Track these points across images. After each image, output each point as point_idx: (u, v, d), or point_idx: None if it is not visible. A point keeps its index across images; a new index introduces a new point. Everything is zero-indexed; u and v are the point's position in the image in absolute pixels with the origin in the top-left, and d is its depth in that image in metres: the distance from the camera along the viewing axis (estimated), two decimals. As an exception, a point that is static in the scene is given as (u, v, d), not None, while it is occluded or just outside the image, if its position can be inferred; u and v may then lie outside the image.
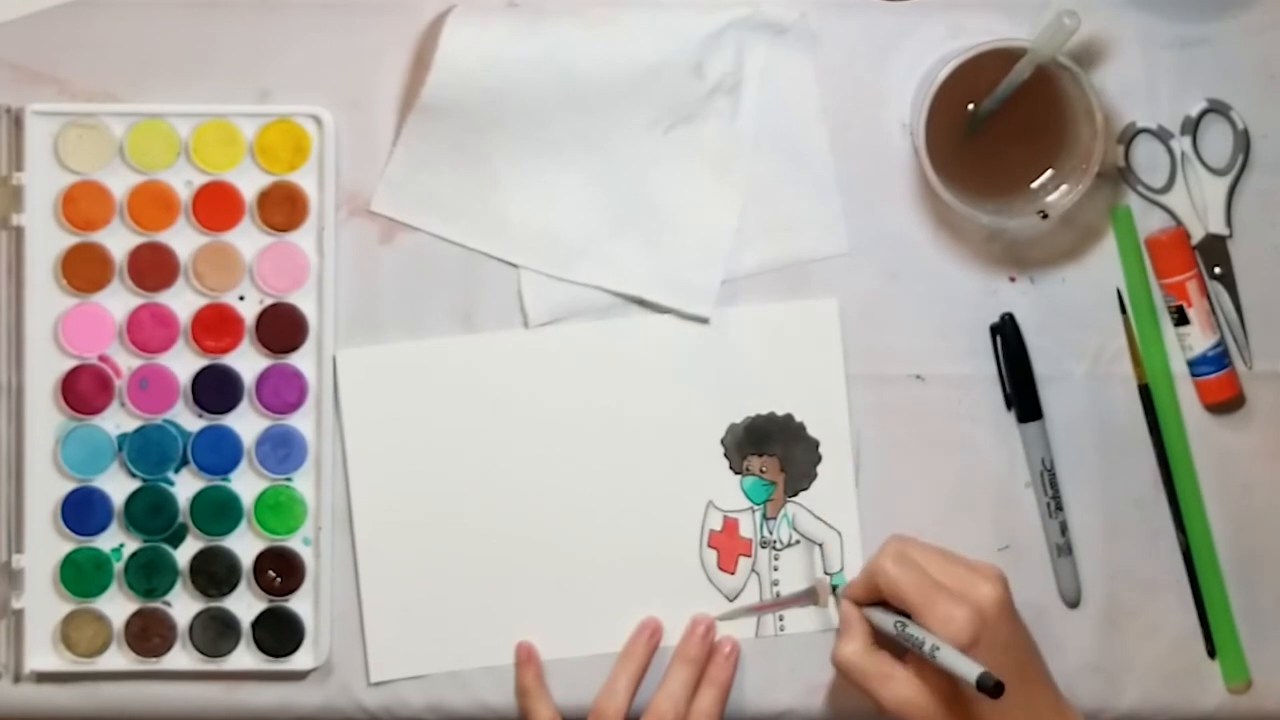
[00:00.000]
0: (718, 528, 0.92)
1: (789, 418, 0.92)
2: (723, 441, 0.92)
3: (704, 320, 0.91)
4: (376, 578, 0.91)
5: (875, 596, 0.85)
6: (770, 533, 0.92)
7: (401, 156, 0.91)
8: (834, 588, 0.91)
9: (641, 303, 0.92)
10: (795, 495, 0.92)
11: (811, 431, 0.92)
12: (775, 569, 0.92)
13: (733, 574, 0.92)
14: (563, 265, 0.91)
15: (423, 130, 0.90)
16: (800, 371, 0.92)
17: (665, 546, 0.92)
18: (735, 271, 0.91)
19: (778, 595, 0.92)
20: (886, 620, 0.84)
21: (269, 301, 0.91)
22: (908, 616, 0.83)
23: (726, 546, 0.92)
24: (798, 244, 0.92)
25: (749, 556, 0.92)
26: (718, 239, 0.91)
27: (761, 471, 0.92)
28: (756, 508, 0.92)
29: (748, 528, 0.92)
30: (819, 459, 0.92)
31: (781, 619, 0.92)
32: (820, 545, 0.92)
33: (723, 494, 0.92)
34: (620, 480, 0.92)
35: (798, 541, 0.92)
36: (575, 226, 0.91)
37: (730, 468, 0.92)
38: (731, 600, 0.92)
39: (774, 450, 0.92)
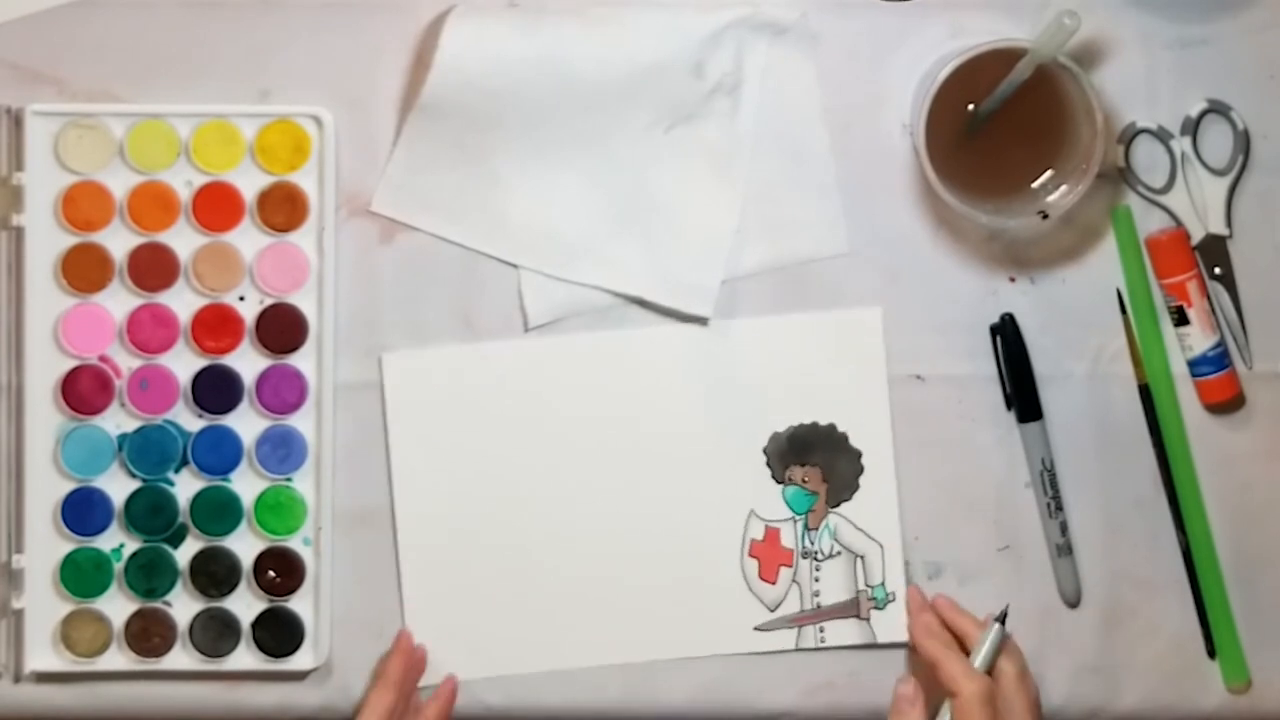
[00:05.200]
0: (759, 537, 0.92)
1: (832, 428, 0.92)
2: (765, 450, 0.92)
3: (703, 321, 0.91)
4: (418, 577, 0.91)
5: (945, 650, 0.87)
6: (812, 543, 0.92)
7: (401, 156, 0.91)
8: (874, 599, 0.91)
9: (641, 303, 0.92)
10: (837, 506, 0.92)
11: (854, 442, 0.92)
12: (816, 580, 0.92)
13: (773, 584, 0.92)
14: (562, 265, 0.91)
15: (423, 130, 0.90)
16: (844, 381, 0.91)
17: (706, 555, 0.91)
18: (735, 272, 0.91)
19: (818, 606, 0.92)
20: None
21: (269, 302, 0.91)
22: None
23: (768, 556, 0.92)
24: (798, 244, 0.92)
25: (790, 567, 0.92)
26: (718, 239, 0.91)
27: (804, 481, 0.92)
28: (798, 518, 0.92)
29: (789, 538, 0.92)
30: (861, 470, 0.92)
31: (822, 630, 0.92)
32: (862, 557, 0.92)
33: (765, 503, 0.92)
34: (663, 487, 0.91)
35: (839, 553, 0.92)
36: (575, 226, 0.91)
37: (772, 477, 0.92)
38: (772, 610, 0.92)
39: (816, 460, 0.92)
